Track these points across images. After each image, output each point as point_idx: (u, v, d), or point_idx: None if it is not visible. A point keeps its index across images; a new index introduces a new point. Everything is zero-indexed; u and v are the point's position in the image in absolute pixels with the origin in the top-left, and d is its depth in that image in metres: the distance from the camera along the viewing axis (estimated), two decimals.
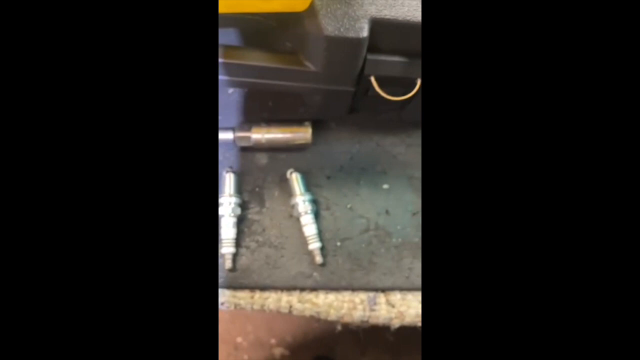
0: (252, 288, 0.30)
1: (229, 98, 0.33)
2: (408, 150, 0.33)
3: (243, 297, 0.29)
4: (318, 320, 0.30)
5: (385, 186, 0.32)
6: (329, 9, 0.24)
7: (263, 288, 0.29)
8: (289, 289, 0.30)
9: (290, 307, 0.29)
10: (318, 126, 0.33)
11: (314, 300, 0.30)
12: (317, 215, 0.31)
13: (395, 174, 0.32)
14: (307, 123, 0.32)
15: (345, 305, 0.30)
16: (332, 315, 0.30)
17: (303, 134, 0.32)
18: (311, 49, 0.26)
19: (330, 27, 0.24)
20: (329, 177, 0.32)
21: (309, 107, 0.31)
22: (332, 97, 0.29)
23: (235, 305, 0.30)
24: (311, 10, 0.24)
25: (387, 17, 0.24)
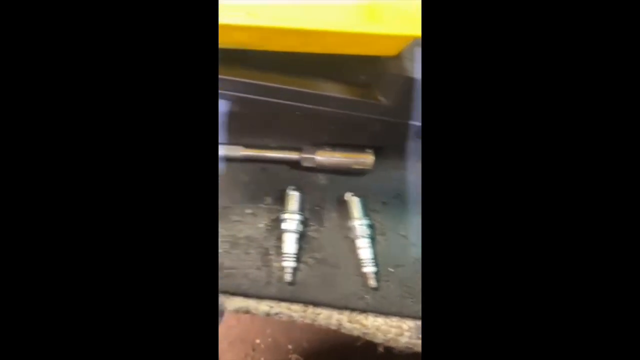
0: (306, 303, 0.31)
1: (294, 120, 0.36)
2: None
3: (296, 310, 0.31)
4: (336, 332, 0.31)
5: None
6: (413, 54, 0.25)
7: (316, 304, 0.31)
8: (341, 307, 0.31)
9: (340, 325, 0.31)
10: (378, 152, 0.34)
11: (363, 321, 0.31)
12: (372, 240, 0.32)
13: None
14: (369, 150, 0.34)
15: (393, 330, 0.30)
16: (379, 338, 0.31)
17: (365, 159, 0.34)
18: (388, 86, 0.28)
19: (412, 69, 0.25)
20: (384, 203, 0.34)
21: (372, 135, 0.33)
22: (397, 129, 0.31)
23: (288, 317, 0.31)
24: (396, 55, 0.26)
25: None
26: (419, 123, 0.30)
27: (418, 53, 0.25)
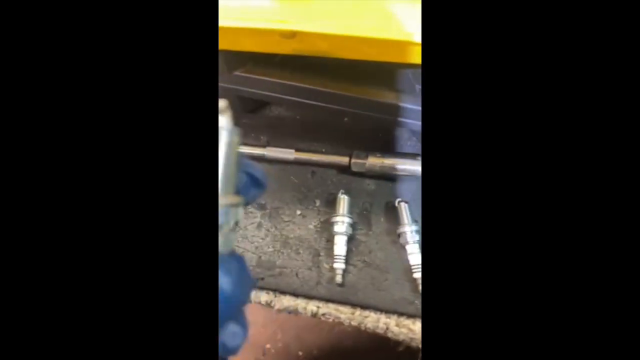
0: (354, 305, 0.32)
1: (344, 127, 0.36)
2: None
3: (344, 312, 0.32)
4: (349, 337, 0.31)
5: None
6: None
7: (365, 307, 0.31)
8: (390, 312, 0.31)
9: (387, 329, 0.31)
10: None
11: (411, 326, 0.31)
12: (420, 246, 0.33)
13: None
14: (418, 157, 0.34)
15: None
16: None
17: (413, 167, 0.34)
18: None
19: None
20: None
21: (418, 142, 0.34)
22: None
23: (335, 319, 0.32)
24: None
25: None
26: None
27: None
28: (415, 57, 0.25)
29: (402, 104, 0.30)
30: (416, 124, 0.31)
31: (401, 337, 0.31)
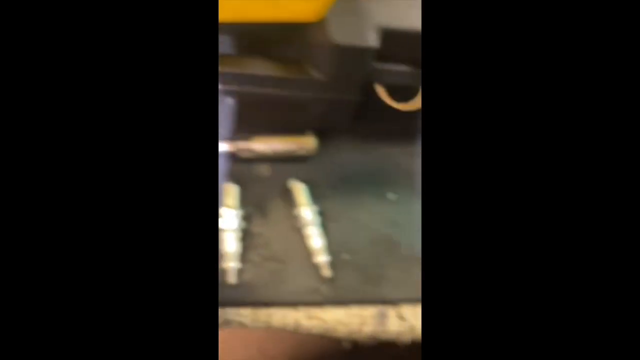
0: (256, 304, 0.28)
1: (227, 107, 0.33)
2: (414, 160, 0.33)
3: (245, 315, 0.28)
4: (311, 342, 0.29)
5: (392, 196, 0.32)
6: (337, 18, 0.24)
7: (268, 304, 0.28)
8: (296, 304, 0.28)
9: (297, 324, 0.28)
10: (322, 136, 0.32)
11: (322, 316, 0.28)
12: (322, 227, 0.30)
13: (402, 184, 0.32)
14: (310, 133, 0.32)
15: (354, 320, 0.28)
16: (342, 332, 0.28)
17: (306, 144, 0.31)
18: (318, 58, 0.26)
19: (339, 36, 0.24)
20: (334, 188, 0.32)
21: (313, 117, 0.31)
22: (337, 107, 0.29)
23: (239, 324, 0.28)
24: (320, 20, 0.24)
25: (396, 27, 0.24)
26: (355, 97, 0.28)
27: (342, 17, 0.23)
28: (281, 11, 0.22)
29: (290, 76, 0.27)
30: (302, 95, 0.28)
31: (315, 331, 0.28)
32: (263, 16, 0.23)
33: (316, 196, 0.31)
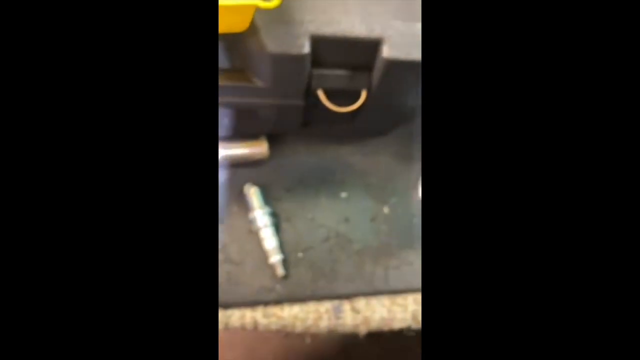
0: None
1: None
2: (364, 158, 0.34)
3: None
4: (272, 336, 0.30)
5: (344, 195, 0.33)
6: (270, 28, 0.25)
7: (226, 306, 0.29)
8: (253, 304, 0.29)
9: (255, 322, 0.29)
10: (274, 140, 0.33)
11: (279, 313, 0.29)
12: (277, 228, 0.31)
13: (353, 183, 0.33)
14: (262, 137, 0.33)
15: (311, 315, 0.30)
16: (299, 327, 0.30)
17: (259, 148, 0.32)
18: (257, 66, 0.27)
19: (272, 45, 0.24)
20: (288, 190, 0.33)
21: (263, 122, 0.32)
22: (284, 112, 0.30)
23: None
24: (253, 30, 0.25)
25: (327, 34, 0.25)
26: (300, 102, 0.29)
27: (275, 27, 0.24)
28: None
29: (235, 84, 0.28)
30: (253, 102, 0.29)
31: (273, 327, 0.29)
32: None
33: (271, 198, 0.32)
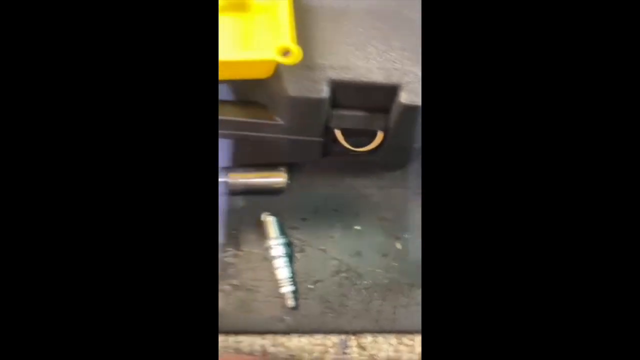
0: (226, 332, 0.30)
1: None
2: (379, 192, 0.35)
3: (219, 341, 0.30)
4: None
5: (357, 227, 0.33)
6: (292, 74, 0.26)
7: (236, 332, 0.30)
8: (262, 332, 0.30)
9: (264, 350, 0.30)
10: (294, 170, 0.34)
11: (287, 344, 0.30)
12: (291, 258, 0.32)
13: (367, 216, 0.34)
14: (282, 168, 0.34)
15: (317, 348, 0.30)
16: (306, 359, 0.30)
17: (278, 178, 0.34)
18: (279, 106, 0.28)
19: (292, 89, 0.26)
20: (304, 219, 0.34)
21: (283, 154, 0.33)
22: (303, 146, 0.31)
23: None
24: (277, 75, 0.26)
25: (345, 79, 0.26)
26: (318, 139, 0.30)
27: (296, 72, 0.26)
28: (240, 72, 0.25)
29: (258, 120, 0.29)
30: (274, 137, 0.30)
31: (280, 357, 0.30)
32: (225, 76, 0.26)
33: (287, 227, 0.33)
